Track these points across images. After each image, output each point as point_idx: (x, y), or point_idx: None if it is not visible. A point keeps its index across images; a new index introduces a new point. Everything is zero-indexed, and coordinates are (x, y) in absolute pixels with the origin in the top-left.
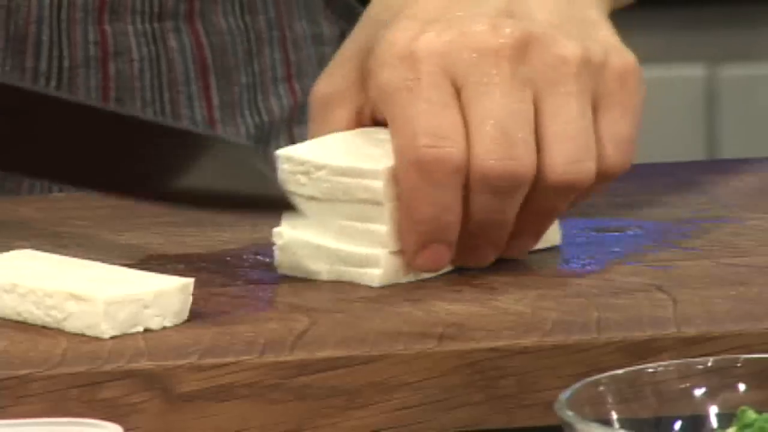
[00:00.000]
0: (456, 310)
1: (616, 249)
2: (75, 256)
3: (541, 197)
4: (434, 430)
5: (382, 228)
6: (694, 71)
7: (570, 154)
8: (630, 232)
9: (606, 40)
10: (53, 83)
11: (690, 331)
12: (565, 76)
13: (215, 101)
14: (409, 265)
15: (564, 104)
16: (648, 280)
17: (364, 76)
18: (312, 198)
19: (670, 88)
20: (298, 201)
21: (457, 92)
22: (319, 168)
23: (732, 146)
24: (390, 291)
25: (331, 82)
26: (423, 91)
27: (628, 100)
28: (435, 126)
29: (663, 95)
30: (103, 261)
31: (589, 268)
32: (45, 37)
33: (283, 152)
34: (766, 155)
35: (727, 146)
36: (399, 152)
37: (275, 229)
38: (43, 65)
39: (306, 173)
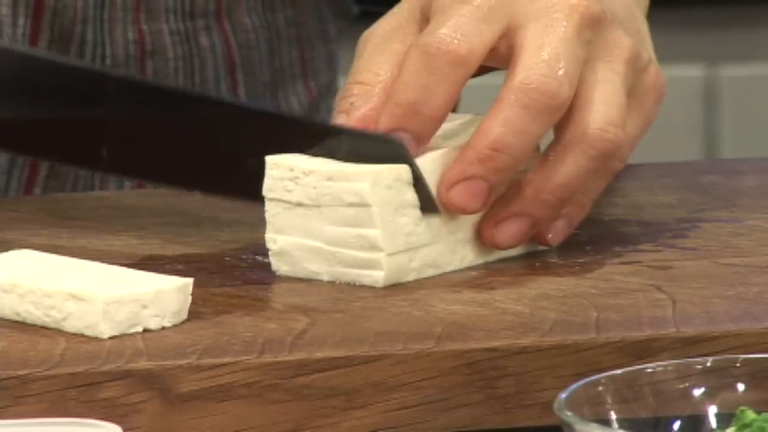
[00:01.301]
0: (455, 310)
1: (616, 249)
2: (74, 256)
3: (573, 158)
4: (433, 431)
5: (373, 232)
6: (694, 71)
7: (611, 116)
8: (629, 232)
9: (650, 54)
10: None
11: (689, 331)
12: (618, 57)
13: (243, 99)
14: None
15: (610, 78)
16: (647, 280)
17: (425, 6)
18: (300, 204)
19: (669, 87)
20: (284, 207)
21: (515, 29)
22: (307, 173)
23: (732, 146)
24: (389, 291)
25: (393, 19)
26: (475, 4)
27: (646, 111)
28: (459, 25)
29: None
30: (102, 261)
31: (588, 268)
32: (89, 37)
33: (271, 159)
34: (766, 155)
35: (727, 146)
36: (415, 41)
37: (268, 235)
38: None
39: (293, 179)
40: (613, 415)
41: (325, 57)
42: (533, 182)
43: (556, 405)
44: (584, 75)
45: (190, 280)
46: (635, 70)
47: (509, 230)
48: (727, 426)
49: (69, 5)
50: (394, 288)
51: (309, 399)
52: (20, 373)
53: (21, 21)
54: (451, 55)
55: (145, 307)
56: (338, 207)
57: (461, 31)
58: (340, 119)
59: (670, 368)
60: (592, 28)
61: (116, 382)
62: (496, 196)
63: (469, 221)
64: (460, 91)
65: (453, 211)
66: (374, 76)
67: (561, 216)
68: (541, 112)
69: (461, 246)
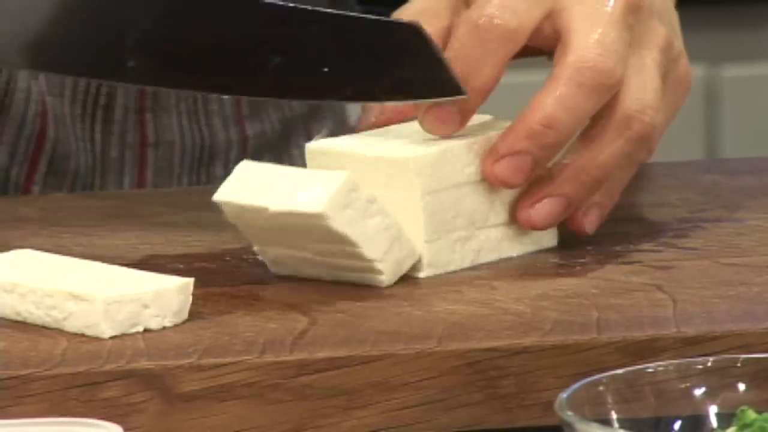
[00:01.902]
0: (456, 310)
1: (617, 249)
2: (75, 256)
3: (610, 140)
4: (434, 430)
5: (357, 249)
6: (695, 71)
7: (649, 100)
8: (630, 232)
9: (681, 46)
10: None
11: (690, 331)
12: (654, 45)
13: (243, 98)
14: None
15: (648, 65)
16: (648, 280)
17: None
18: (272, 228)
19: None
20: (260, 229)
21: (559, 11)
22: (260, 211)
23: (732, 146)
24: (390, 291)
25: (424, 1)
26: None
27: (674, 102)
28: (508, 1)
29: None
30: (103, 261)
31: (589, 268)
32: None
33: (220, 197)
34: (767, 155)
35: (728, 146)
36: (464, 16)
37: (256, 248)
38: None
39: (254, 212)
40: (614, 415)
41: None
42: (571, 163)
43: (557, 405)
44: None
45: (190, 280)
46: (668, 60)
47: (545, 210)
48: (728, 426)
49: None
50: (395, 288)
51: (310, 399)
52: (21, 372)
53: None
54: (501, 29)
55: (145, 306)
56: (307, 234)
57: (510, 7)
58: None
59: (670, 368)
60: (635, 14)
61: (117, 382)
62: (539, 172)
63: (464, 221)
64: (506, 66)
65: (494, 184)
66: None
67: (594, 204)
68: (594, 90)
69: (461, 245)
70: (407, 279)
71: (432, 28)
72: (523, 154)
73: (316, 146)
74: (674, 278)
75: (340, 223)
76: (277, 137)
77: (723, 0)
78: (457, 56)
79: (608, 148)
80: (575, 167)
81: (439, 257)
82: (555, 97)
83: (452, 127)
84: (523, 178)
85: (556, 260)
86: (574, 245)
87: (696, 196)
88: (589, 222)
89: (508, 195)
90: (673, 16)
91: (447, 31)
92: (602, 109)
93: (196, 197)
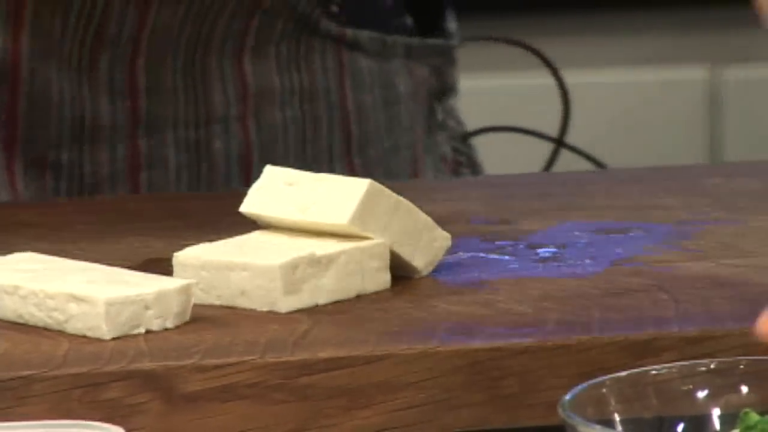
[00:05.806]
0: (458, 310)
1: (618, 250)
2: (76, 259)
3: None
4: (436, 430)
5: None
6: (697, 73)
7: None
8: (632, 234)
9: None
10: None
11: (691, 330)
12: None
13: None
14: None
15: None
16: (649, 281)
17: None
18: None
19: (672, 90)
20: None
21: None
22: (286, 221)
23: (734, 149)
24: (392, 291)
25: None
26: None
27: None
28: None
29: (665, 97)
30: (104, 264)
31: (590, 269)
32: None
33: (246, 209)
34: None
35: (730, 148)
36: None
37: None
38: (64, 185)
39: (276, 221)
40: (617, 416)
41: (384, 122)
42: None
43: (560, 406)
44: None
45: (192, 282)
46: None
47: None
48: (731, 428)
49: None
50: (397, 287)
51: (312, 399)
52: (23, 374)
53: None
54: None
55: (147, 308)
56: None
57: None
58: None
59: (673, 369)
60: None
61: (119, 383)
62: None
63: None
64: None
65: None
66: None
67: None
68: None
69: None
70: (408, 279)
71: None
72: None
73: (184, 255)
74: (676, 279)
75: (366, 229)
76: None
77: (725, 2)
78: None
79: None
80: None
81: None
82: None
83: None
84: None
85: (557, 261)
86: (575, 247)
87: (698, 199)
88: None
89: None
90: None
91: None
92: None
93: (197, 201)
